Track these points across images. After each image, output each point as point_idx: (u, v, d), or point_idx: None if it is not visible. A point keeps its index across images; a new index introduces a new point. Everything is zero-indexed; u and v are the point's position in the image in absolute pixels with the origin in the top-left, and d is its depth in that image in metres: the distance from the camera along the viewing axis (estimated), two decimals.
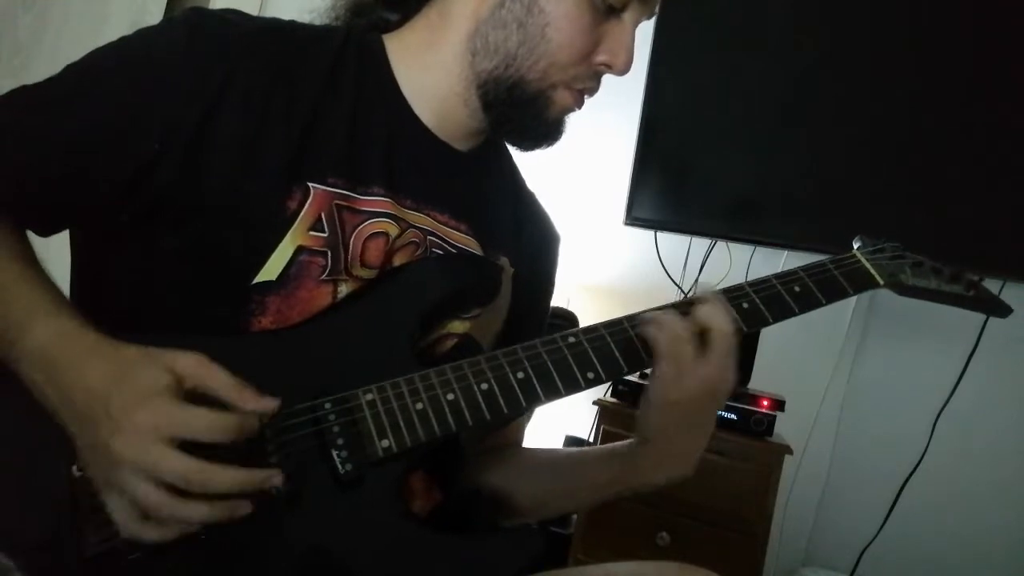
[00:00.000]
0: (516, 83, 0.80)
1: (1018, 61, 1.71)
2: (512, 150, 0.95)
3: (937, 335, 1.85)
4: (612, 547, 1.61)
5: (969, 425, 1.82)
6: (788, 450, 1.60)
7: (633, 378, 1.75)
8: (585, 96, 0.84)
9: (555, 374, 0.73)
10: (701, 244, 2.07)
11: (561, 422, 2.04)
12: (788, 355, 1.88)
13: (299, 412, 0.67)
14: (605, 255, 2.17)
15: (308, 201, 0.74)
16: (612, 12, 0.79)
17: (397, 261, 0.79)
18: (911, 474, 1.84)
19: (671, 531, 1.60)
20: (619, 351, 0.75)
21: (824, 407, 1.92)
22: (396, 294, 0.76)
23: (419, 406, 0.69)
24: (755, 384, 1.75)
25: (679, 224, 2.00)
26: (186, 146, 0.71)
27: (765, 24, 1.94)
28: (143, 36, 0.76)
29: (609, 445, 0.84)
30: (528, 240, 0.94)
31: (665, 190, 2.02)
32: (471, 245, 0.85)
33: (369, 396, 0.69)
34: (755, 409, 1.63)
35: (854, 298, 1.87)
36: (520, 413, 0.77)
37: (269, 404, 0.62)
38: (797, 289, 0.81)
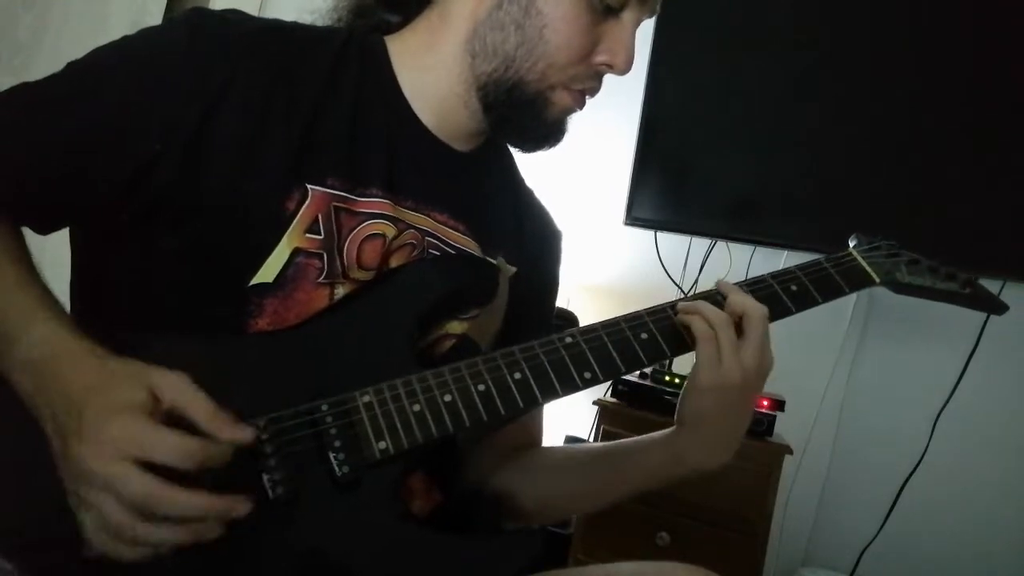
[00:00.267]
0: (515, 84, 0.80)
1: (1018, 61, 1.71)
2: (513, 151, 0.95)
3: (937, 335, 1.85)
4: (612, 547, 1.61)
5: (969, 425, 1.82)
6: (788, 450, 1.60)
7: (633, 378, 1.75)
8: (587, 96, 0.84)
9: (552, 375, 0.73)
10: (701, 244, 2.07)
11: (561, 422, 2.04)
12: (788, 355, 1.86)
13: (296, 414, 0.67)
14: (605, 255, 2.17)
15: (306, 203, 0.74)
16: (611, 12, 0.79)
17: (394, 262, 0.79)
18: (911, 474, 1.84)
19: (671, 531, 1.60)
20: (616, 351, 0.75)
21: (824, 407, 1.92)
22: (393, 295, 0.76)
23: (416, 408, 0.69)
24: None
25: (679, 224, 2.00)
26: (186, 146, 0.71)
27: (765, 24, 1.94)
28: (144, 36, 0.77)
29: (647, 435, 0.85)
30: (529, 239, 0.94)
31: (665, 190, 2.02)
32: (470, 245, 0.85)
33: (366, 398, 0.69)
34: (755, 409, 1.63)
35: (853, 297, 1.89)
36: (518, 414, 0.77)
37: (244, 435, 0.60)
38: (794, 288, 0.81)
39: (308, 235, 0.73)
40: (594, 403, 1.80)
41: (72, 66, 0.74)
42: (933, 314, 1.69)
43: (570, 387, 0.73)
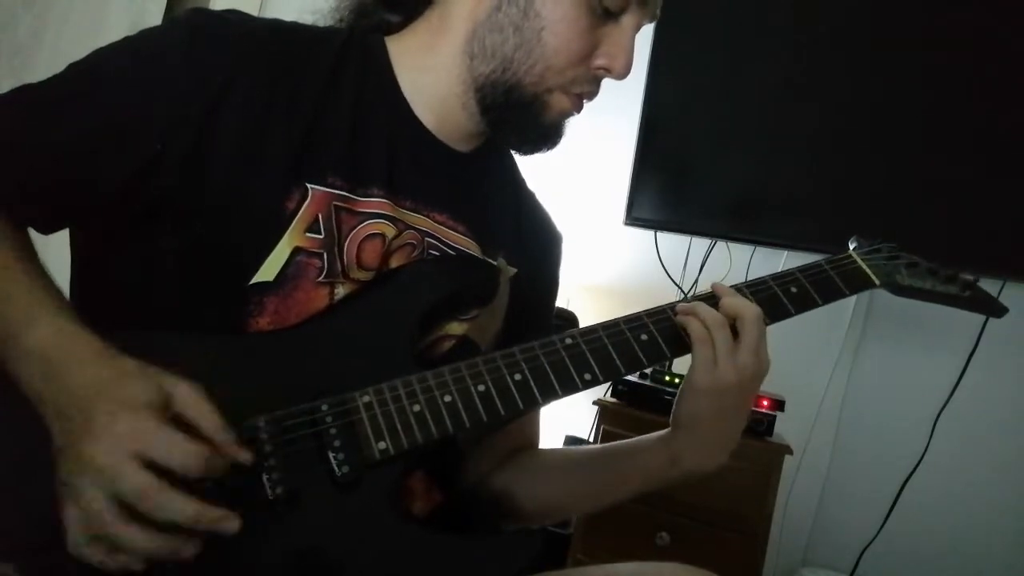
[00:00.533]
0: (513, 87, 0.80)
1: (1018, 61, 1.71)
2: (513, 152, 0.95)
3: (937, 335, 1.85)
4: (612, 547, 1.61)
5: (969, 425, 1.82)
6: (788, 450, 1.60)
7: (633, 378, 1.75)
8: (584, 101, 0.84)
9: (552, 376, 0.73)
10: (701, 244, 2.07)
11: (561, 422, 2.04)
12: (788, 355, 1.86)
13: (296, 414, 0.67)
14: (605, 255, 2.17)
15: (306, 202, 0.74)
16: (610, 16, 0.79)
17: (394, 262, 0.79)
18: (911, 474, 1.84)
19: (671, 531, 1.60)
20: (616, 352, 0.75)
21: (824, 407, 1.92)
22: (393, 296, 0.76)
23: (416, 408, 0.69)
24: None
25: (679, 224, 2.00)
26: (188, 146, 0.71)
27: (765, 24, 1.94)
28: (145, 37, 0.77)
29: (644, 436, 0.85)
30: (529, 240, 0.94)
31: (665, 190, 2.02)
32: (469, 246, 0.86)
33: (366, 398, 0.69)
34: (755, 409, 1.63)
35: (853, 298, 1.89)
36: (518, 415, 0.78)
37: (244, 456, 0.60)
38: (794, 290, 0.81)
39: (308, 234, 0.74)
40: (594, 403, 1.80)
41: (73, 67, 0.74)
42: (933, 315, 1.69)
43: (570, 388, 0.73)
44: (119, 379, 0.59)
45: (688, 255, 2.08)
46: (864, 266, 0.86)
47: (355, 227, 0.76)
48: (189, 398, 0.59)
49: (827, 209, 1.85)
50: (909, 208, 1.76)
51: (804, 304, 0.81)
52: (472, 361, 0.73)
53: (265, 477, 0.64)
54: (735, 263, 2.02)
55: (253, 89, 0.74)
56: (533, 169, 1.00)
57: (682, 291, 2.07)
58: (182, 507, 0.55)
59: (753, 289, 0.81)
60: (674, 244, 2.09)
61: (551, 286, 1.00)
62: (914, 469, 1.84)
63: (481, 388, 0.71)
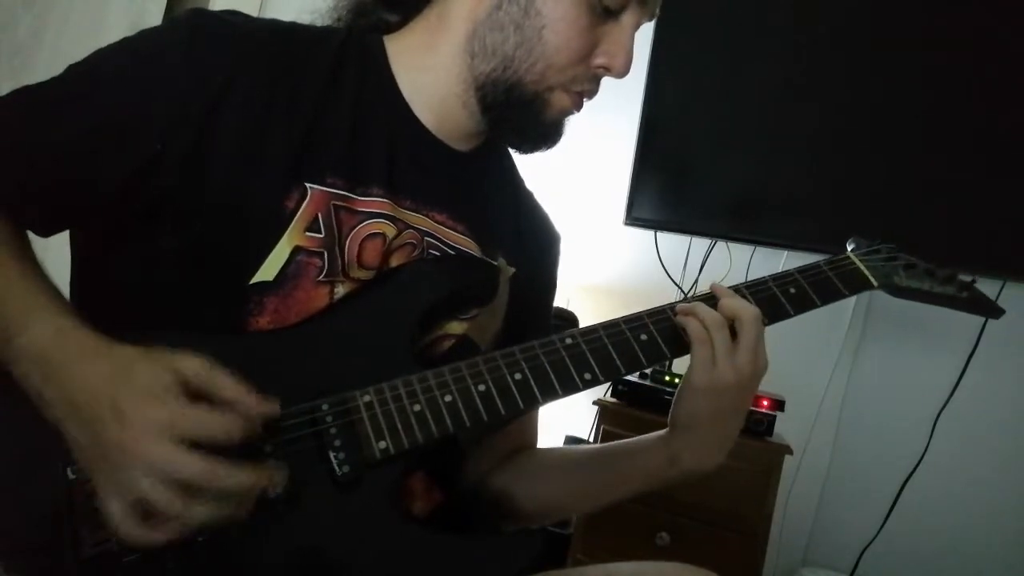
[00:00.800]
0: (513, 85, 0.80)
1: (1018, 61, 1.71)
2: (513, 151, 0.95)
3: (936, 335, 1.85)
4: (611, 547, 1.61)
5: (969, 425, 1.82)
6: (788, 450, 1.60)
7: (633, 378, 1.75)
8: (584, 99, 0.84)
9: (552, 375, 0.73)
10: (701, 244, 2.07)
11: (561, 422, 2.04)
12: (788, 355, 1.86)
13: (297, 413, 0.67)
14: (605, 255, 2.17)
15: (305, 201, 0.74)
16: (610, 14, 0.79)
17: (394, 262, 0.79)
18: (911, 474, 1.84)
19: (671, 531, 1.60)
20: (616, 352, 0.75)
21: (824, 407, 1.92)
22: (393, 295, 0.76)
23: (417, 408, 0.69)
24: None
25: (679, 224, 2.00)
26: (187, 146, 0.71)
27: (765, 24, 1.94)
28: (145, 37, 0.77)
29: (643, 436, 0.85)
30: (528, 240, 0.94)
31: (665, 190, 2.02)
32: (469, 246, 0.86)
33: (367, 398, 0.69)
34: (755, 409, 1.63)
35: (853, 298, 1.88)
36: (518, 414, 0.78)
37: (271, 408, 0.62)
38: (793, 291, 0.82)
39: (308, 233, 0.74)
40: (594, 403, 1.80)
41: (73, 68, 0.74)
42: (933, 315, 1.68)
43: (570, 388, 0.74)
44: (130, 369, 0.59)
45: (688, 255, 2.08)
46: (862, 267, 0.86)
47: (355, 226, 0.76)
48: (200, 370, 0.60)
49: (827, 209, 1.85)
50: (909, 208, 1.76)
51: (803, 305, 0.82)
52: (472, 361, 0.73)
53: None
54: (735, 263, 2.02)
55: (253, 89, 0.74)
56: (533, 169, 1.00)
57: (682, 291, 2.07)
58: (242, 477, 0.58)
59: (752, 290, 0.81)
60: (674, 244, 2.09)
61: (550, 286, 1.00)
62: (914, 469, 1.84)
63: (481, 387, 0.71)
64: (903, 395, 1.89)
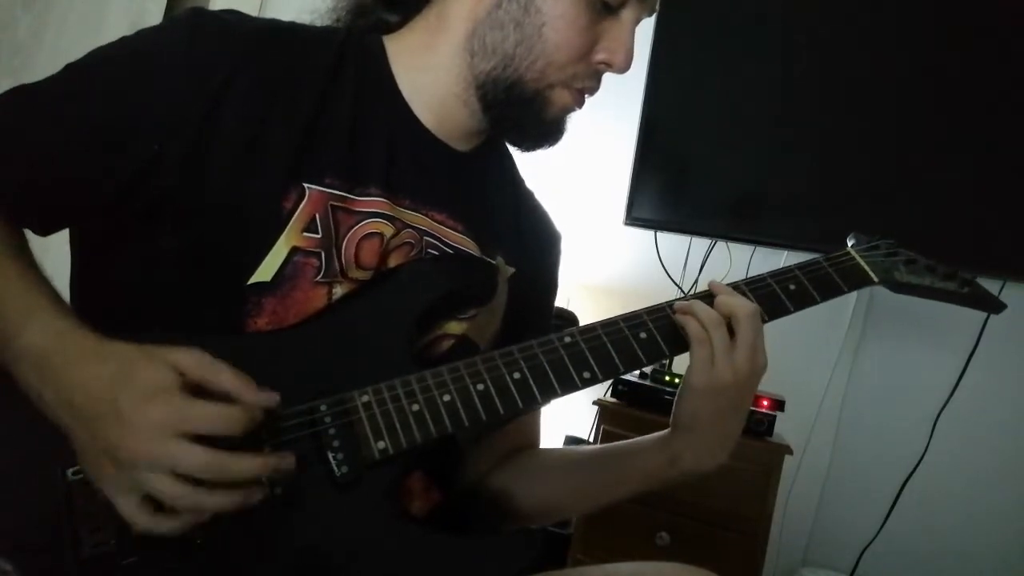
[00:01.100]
0: (514, 83, 0.80)
1: (1018, 61, 1.71)
2: (513, 150, 0.95)
3: (937, 334, 1.85)
4: (611, 547, 1.61)
5: (969, 424, 1.82)
6: (788, 450, 1.60)
7: (633, 378, 1.75)
8: (586, 95, 0.84)
9: (551, 374, 0.73)
10: (701, 244, 2.07)
11: (561, 422, 2.04)
12: (788, 355, 1.87)
13: (295, 414, 0.67)
14: (605, 255, 2.17)
15: (303, 202, 0.74)
16: (610, 11, 0.79)
17: (392, 262, 0.79)
18: (911, 474, 1.84)
19: (670, 531, 1.60)
20: (615, 351, 0.75)
21: (824, 407, 1.92)
22: (392, 295, 0.76)
23: (415, 407, 0.69)
24: None
25: (679, 224, 2.00)
26: (187, 146, 0.71)
27: (765, 24, 1.94)
28: (144, 36, 0.77)
29: (644, 437, 0.85)
30: (528, 240, 0.94)
31: (665, 190, 2.02)
32: (468, 245, 0.85)
33: (365, 398, 0.69)
34: (755, 409, 1.63)
35: (854, 297, 1.89)
36: (517, 414, 0.77)
37: (271, 398, 0.63)
38: (792, 287, 0.81)
39: (306, 234, 0.73)
40: (594, 403, 1.80)
41: (71, 68, 0.74)
42: (933, 313, 1.69)
43: (569, 387, 0.73)
44: (129, 369, 0.60)
45: (688, 255, 2.08)
46: (862, 263, 0.86)
47: (353, 226, 0.76)
48: (200, 364, 0.61)
49: (827, 209, 1.84)
50: (909, 208, 1.76)
51: (803, 301, 0.81)
52: (471, 360, 0.73)
53: (264, 477, 0.64)
54: (735, 263, 2.02)
55: (252, 89, 0.74)
56: (533, 168, 1.00)
57: (682, 291, 2.07)
58: (247, 465, 0.59)
59: (752, 287, 0.81)
60: (674, 244, 2.09)
61: (550, 285, 1.00)
62: (914, 469, 1.84)
63: (480, 387, 0.71)
64: (903, 395, 1.88)
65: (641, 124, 2.00)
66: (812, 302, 0.82)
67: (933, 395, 1.85)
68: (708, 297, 0.78)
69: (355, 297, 0.76)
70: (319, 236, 0.74)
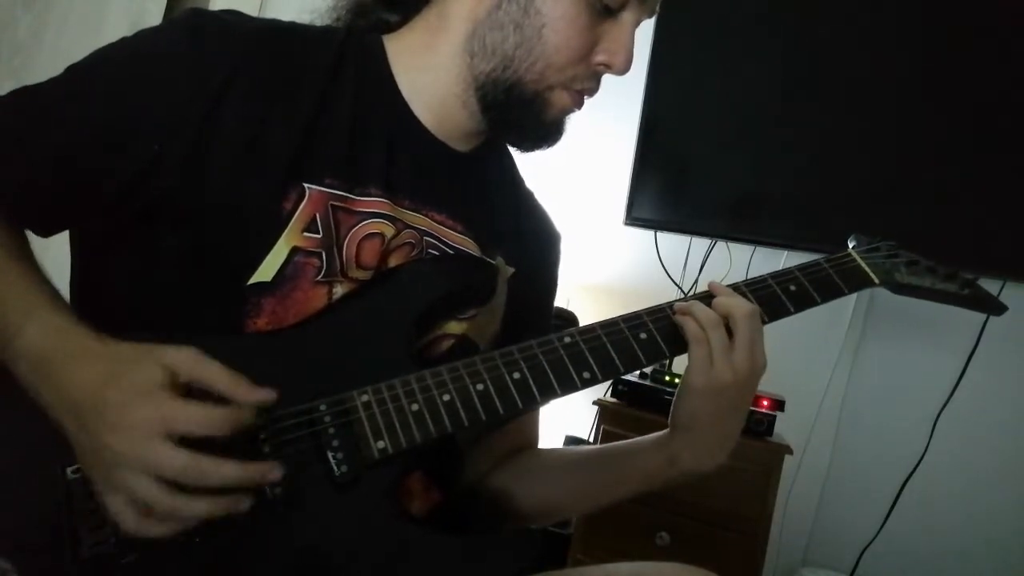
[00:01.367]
0: (514, 84, 0.80)
1: (1018, 61, 1.70)
2: (512, 150, 0.95)
3: (937, 335, 1.85)
4: (611, 547, 1.61)
5: (969, 424, 1.82)
6: (788, 450, 1.60)
7: (633, 378, 1.75)
8: (585, 97, 0.84)
9: (551, 374, 0.73)
10: (701, 244, 2.07)
11: (561, 422, 2.04)
12: (788, 355, 1.87)
13: (295, 414, 0.67)
14: (605, 255, 2.17)
15: (303, 202, 0.74)
16: (610, 12, 0.79)
17: (393, 262, 0.79)
18: (911, 474, 1.84)
19: (670, 531, 1.60)
20: (615, 351, 0.75)
21: (824, 407, 1.92)
22: (391, 295, 0.76)
23: (415, 407, 0.69)
24: None
25: (679, 224, 2.00)
26: (187, 147, 0.71)
27: (765, 24, 1.94)
28: (144, 37, 0.77)
29: (643, 437, 0.85)
30: (528, 240, 0.94)
31: (665, 190, 2.02)
32: (468, 245, 0.85)
33: (365, 397, 0.69)
34: (755, 409, 1.63)
35: (854, 298, 1.89)
36: (517, 414, 0.77)
37: (266, 396, 0.62)
38: (793, 288, 0.81)
39: (306, 234, 0.73)
40: (594, 403, 1.80)
41: (72, 69, 0.74)
42: (933, 314, 1.69)
43: (569, 387, 0.73)
44: (120, 368, 0.60)
45: (688, 255, 2.08)
46: (863, 264, 0.86)
47: (354, 226, 0.76)
48: (192, 363, 0.60)
49: (827, 209, 1.84)
50: (909, 208, 1.76)
51: (803, 302, 0.81)
52: (470, 360, 0.73)
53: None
54: (735, 263, 2.02)
55: (252, 89, 0.74)
56: (533, 169, 1.00)
57: (682, 291, 2.07)
58: (227, 471, 0.58)
59: (752, 288, 0.81)
60: (674, 244, 2.09)
61: (550, 286, 1.00)
62: (914, 469, 1.84)
63: (480, 387, 0.71)
64: (903, 395, 1.88)
65: (641, 124, 2.00)
66: (812, 303, 0.82)
67: (933, 395, 1.85)
68: (708, 298, 0.78)
69: (355, 297, 0.76)
70: (320, 236, 0.74)
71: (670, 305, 0.78)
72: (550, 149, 0.87)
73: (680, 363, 0.80)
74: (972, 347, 1.82)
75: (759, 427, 1.62)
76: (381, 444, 0.68)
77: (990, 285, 0.93)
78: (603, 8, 0.78)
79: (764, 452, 1.59)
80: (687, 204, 2.01)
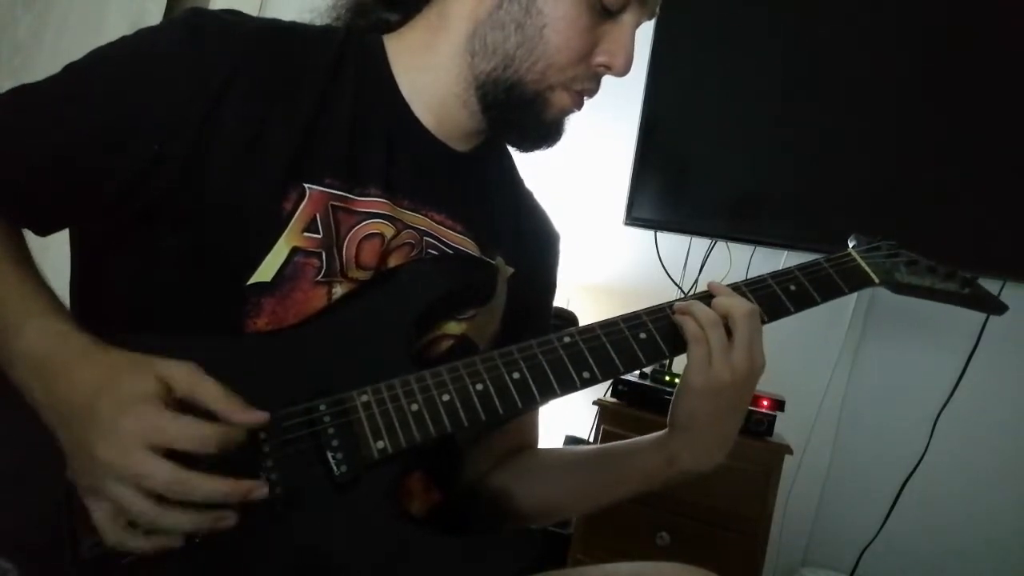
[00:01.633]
0: (514, 84, 0.80)
1: (1018, 61, 1.70)
2: (512, 150, 0.95)
3: (937, 335, 1.85)
4: (611, 547, 1.61)
5: (969, 424, 1.82)
6: (788, 450, 1.60)
7: (632, 378, 1.75)
8: (585, 97, 0.84)
9: (551, 374, 0.73)
10: (701, 244, 2.07)
11: (561, 422, 2.04)
12: (788, 355, 1.87)
13: (294, 414, 0.67)
14: (605, 255, 2.17)
15: (303, 202, 0.74)
16: (610, 14, 0.79)
17: (392, 262, 0.79)
18: (911, 474, 1.84)
19: (670, 531, 1.60)
20: (615, 351, 0.75)
21: (824, 407, 1.92)
22: (391, 295, 0.76)
23: (414, 407, 0.69)
24: None
25: (679, 224, 2.00)
26: (187, 146, 0.71)
27: (765, 24, 1.94)
28: (143, 37, 0.76)
29: (642, 437, 0.85)
30: (528, 240, 0.94)
31: (665, 190, 2.02)
32: (468, 245, 0.85)
33: (364, 397, 0.69)
34: (755, 409, 1.63)
35: (854, 297, 1.89)
36: (516, 414, 0.77)
37: (258, 417, 0.61)
38: (793, 288, 0.81)
39: (306, 234, 0.73)
40: (594, 403, 1.80)
41: (71, 68, 0.74)
42: (933, 314, 1.69)
43: (568, 387, 0.73)
44: (115, 377, 0.59)
45: (688, 255, 2.08)
46: (863, 264, 0.86)
47: (354, 226, 0.76)
48: (188, 378, 0.60)
49: (827, 209, 1.84)
50: (909, 208, 1.76)
51: (803, 302, 0.81)
52: (470, 360, 0.73)
53: (263, 477, 0.64)
54: (735, 263, 2.02)
55: (252, 89, 0.74)
56: (533, 169, 1.00)
57: (682, 291, 2.07)
58: (213, 486, 0.58)
59: (752, 288, 0.81)
60: (674, 244, 2.09)
61: (549, 286, 1.00)
62: (914, 469, 1.84)
63: (479, 387, 0.71)
64: (903, 395, 1.88)
65: (641, 124, 2.00)
66: (812, 303, 0.82)
67: (933, 395, 1.85)
68: (707, 297, 0.78)
69: (355, 297, 0.76)
70: (320, 236, 0.74)
71: (670, 305, 0.78)
72: (550, 149, 0.87)
73: (680, 363, 0.80)
74: (972, 347, 1.82)
75: (759, 427, 1.61)
76: (381, 444, 0.68)
77: (990, 285, 0.93)
78: (603, 10, 0.79)
79: (764, 452, 1.59)
80: (687, 204, 2.01)
